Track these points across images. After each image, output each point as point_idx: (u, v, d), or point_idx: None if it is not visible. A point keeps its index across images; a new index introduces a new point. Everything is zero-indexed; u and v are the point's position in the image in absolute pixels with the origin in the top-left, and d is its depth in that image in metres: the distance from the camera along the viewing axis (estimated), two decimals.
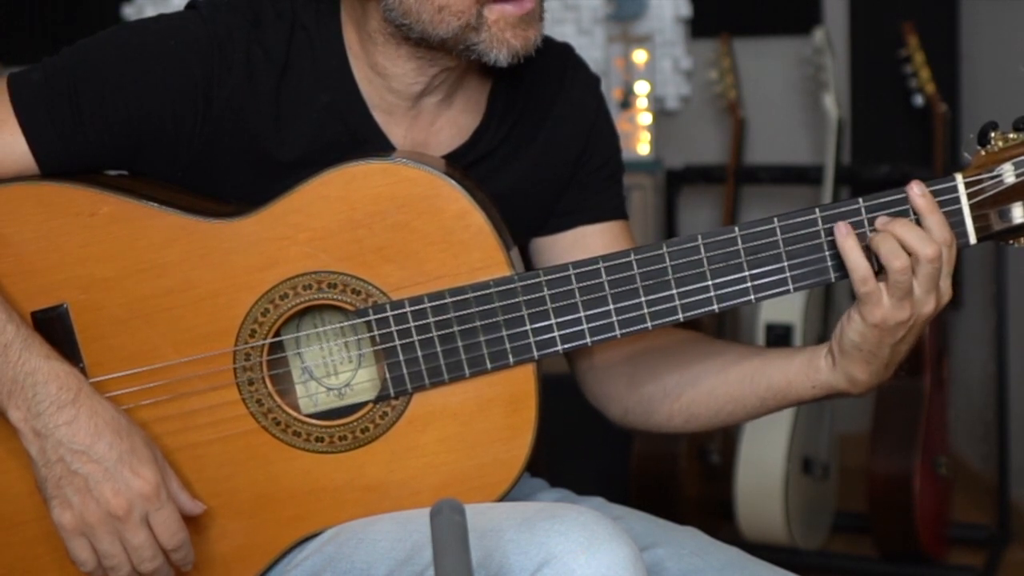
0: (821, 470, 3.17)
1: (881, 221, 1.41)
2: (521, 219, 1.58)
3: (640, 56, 3.53)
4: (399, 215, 1.45)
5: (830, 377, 1.48)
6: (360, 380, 1.53)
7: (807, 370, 1.49)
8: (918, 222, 1.41)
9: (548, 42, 1.65)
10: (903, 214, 1.42)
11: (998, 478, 3.25)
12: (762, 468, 3.03)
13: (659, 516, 1.59)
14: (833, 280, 1.45)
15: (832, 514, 3.30)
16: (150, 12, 3.50)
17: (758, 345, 1.59)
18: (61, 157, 1.48)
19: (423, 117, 1.56)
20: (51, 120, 1.47)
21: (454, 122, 1.58)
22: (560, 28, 3.54)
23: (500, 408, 1.49)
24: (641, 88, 3.53)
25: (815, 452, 3.15)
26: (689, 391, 1.57)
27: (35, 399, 1.41)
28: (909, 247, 1.39)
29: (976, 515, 3.36)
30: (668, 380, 1.59)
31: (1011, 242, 1.45)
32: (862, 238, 1.42)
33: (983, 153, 1.43)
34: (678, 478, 3.06)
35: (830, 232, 1.43)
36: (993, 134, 1.43)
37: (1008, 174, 1.41)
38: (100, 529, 1.42)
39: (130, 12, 3.58)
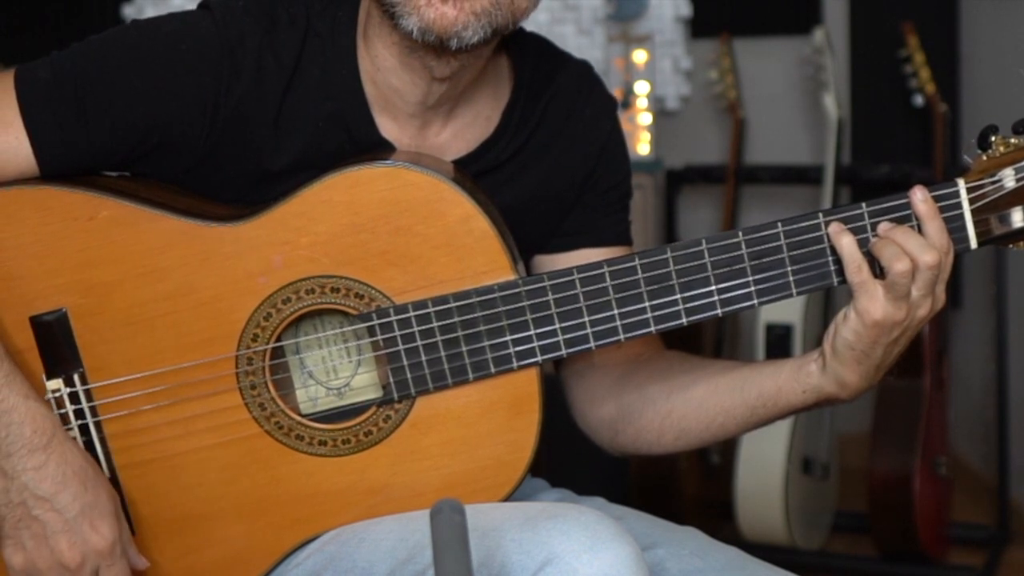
0: (821, 470, 3.17)
1: (883, 228, 1.42)
2: (523, 235, 1.57)
3: (640, 56, 3.53)
4: (403, 219, 1.45)
5: (820, 380, 1.48)
6: (360, 380, 1.53)
7: (797, 375, 1.49)
8: (919, 227, 1.42)
9: (568, 59, 1.64)
10: (905, 219, 1.43)
11: (998, 478, 3.25)
12: (762, 468, 3.03)
13: (659, 516, 1.59)
14: (835, 284, 1.45)
15: (832, 514, 3.30)
16: (150, 12, 3.49)
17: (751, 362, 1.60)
18: (63, 160, 1.47)
19: (430, 128, 1.55)
20: (57, 124, 1.45)
21: (461, 135, 1.57)
22: (560, 28, 3.54)
23: (503, 411, 1.49)
24: (641, 88, 3.53)
25: (815, 452, 3.15)
26: (679, 405, 1.57)
27: (8, 439, 1.40)
28: (909, 253, 1.39)
29: (976, 515, 3.37)
30: (655, 392, 1.59)
31: (1011, 246, 1.46)
32: (864, 243, 1.43)
33: (984, 158, 1.44)
34: (678, 478, 3.06)
35: None
36: (994, 138, 1.44)
37: (1009, 179, 1.42)
38: (48, 575, 1.42)
39: (130, 12, 3.57)
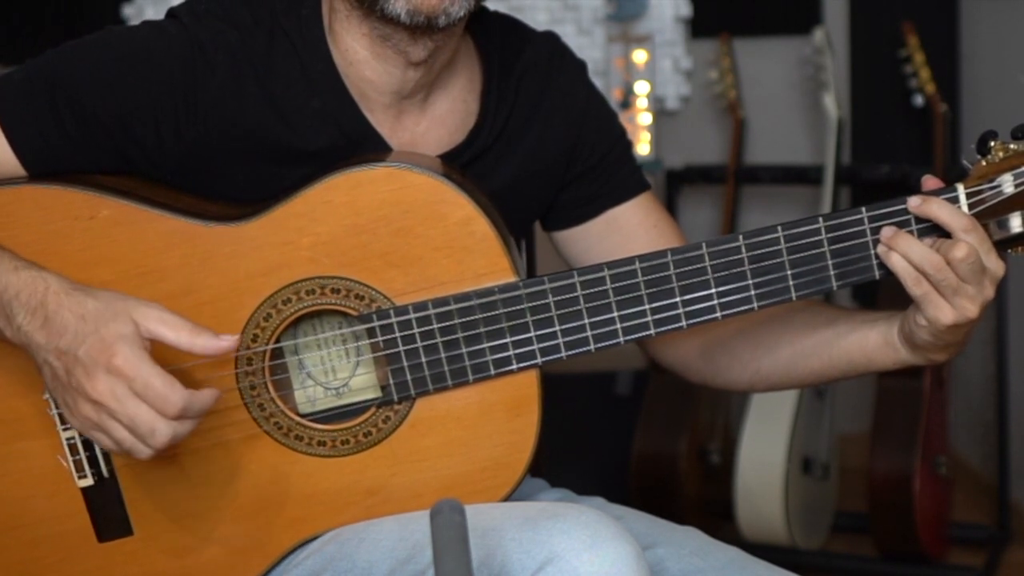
0: (821, 470, 3.17)
1: (904, 238, 1.43)
2: (517, 213, 1.58)
3: (640, 56, 3.53)
4: (404, 221, 1.45)
5: (910, 358, 1.52)
6: (359, 381, 1.53)
7: (885, 349, 1.53)
8: (921, 233, 1.43)
9: (532, 32, 1.66)
10: (905, 223, 1.44)
11: (998, 478, 3.25)
12: (762, 468, 3.03)
13: (659, 516, 1.60)
14: (835, 288, 1.47)
15: (832, 514, 3.30)
16: (150, 12, 3.50)
17: (824, 307, 1.63)
18: (45, 157, 1.48)
19: (406, 118, 1.55)
20: (32, 119, 1.47)
21: (441, 123, 1.57)
22: (560, 28, 3.54)
23: (503, 412, 1.49)
24: (641, 88, 3.53)
25: (815, 452, 3.15)
26: (766, 365, 1.61)
27: (13, 313, 1.40)
28: (943, 256, 1.41)
29: (976, 515, 3.37)
30: (740, 348, 1.62)
31: (1010, 251, 1.47)
32: (865, 247, 1.44)
33: (983, 163, 1.45)
34: (678, 478, 3.07)
35: (833, 241, 1.45)
36: (993, 144, 1.44)
37: (1007, 184, 1.43)
38: (99, 418, 1.36)
39: (130, 12, 3.57)
